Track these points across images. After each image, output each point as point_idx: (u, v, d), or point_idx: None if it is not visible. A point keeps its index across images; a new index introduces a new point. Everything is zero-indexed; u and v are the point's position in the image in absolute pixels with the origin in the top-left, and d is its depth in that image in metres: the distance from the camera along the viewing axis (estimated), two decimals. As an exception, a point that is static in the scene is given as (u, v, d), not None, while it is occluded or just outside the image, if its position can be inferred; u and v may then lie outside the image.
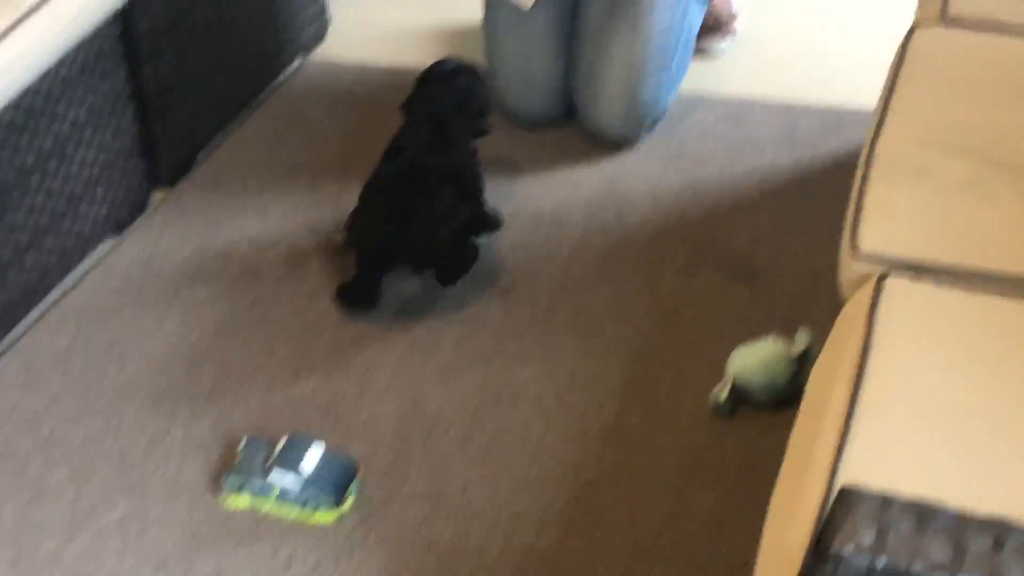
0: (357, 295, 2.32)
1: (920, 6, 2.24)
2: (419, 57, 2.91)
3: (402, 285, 2.38)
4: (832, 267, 2.15)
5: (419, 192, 2.32)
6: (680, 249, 2.43)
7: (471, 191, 2.44)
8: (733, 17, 3.06)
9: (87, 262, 2.47)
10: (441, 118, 2.45)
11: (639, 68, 2.65)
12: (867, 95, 2.65)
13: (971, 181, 1.67)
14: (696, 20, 2.81)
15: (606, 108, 2.68)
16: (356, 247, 2.36)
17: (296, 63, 3.09)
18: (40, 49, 2.21)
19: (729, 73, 2.99)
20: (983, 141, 1.75)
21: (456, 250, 2.34)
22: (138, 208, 2.59)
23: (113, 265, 2.47)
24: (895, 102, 1.88)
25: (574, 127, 2.79)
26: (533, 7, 2.73)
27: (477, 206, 2.45)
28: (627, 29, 2.65)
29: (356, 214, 2.38)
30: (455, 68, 2.55)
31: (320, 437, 2.05)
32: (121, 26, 2.46)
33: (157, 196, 2.65)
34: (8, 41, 2.13)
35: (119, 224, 2.54)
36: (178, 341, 2.29)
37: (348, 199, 2.60)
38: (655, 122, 2.74)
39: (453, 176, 2.38)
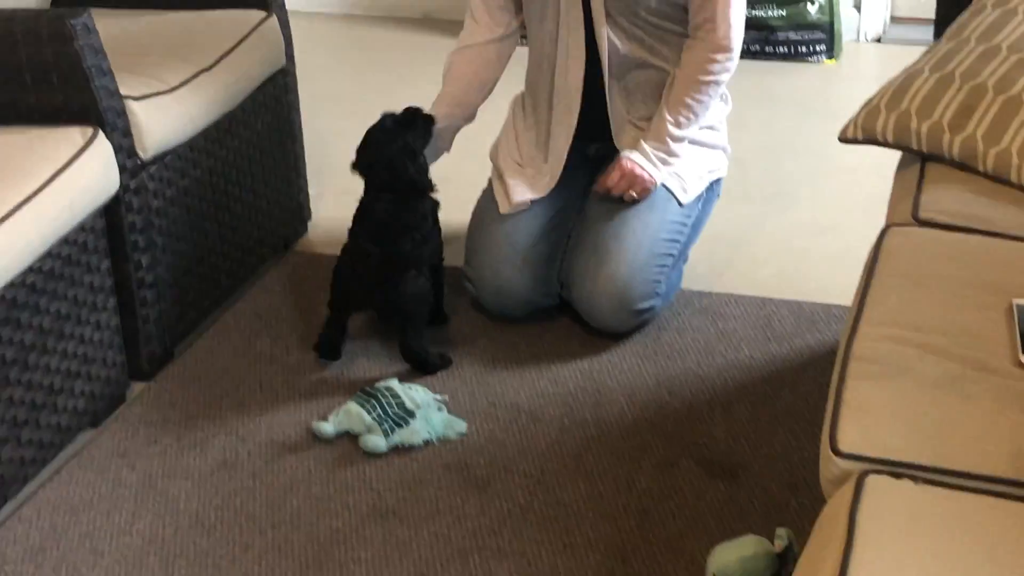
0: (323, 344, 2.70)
1: (892, 206, 2.29)
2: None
3: (378, 477, 2.37)
4: (811, 462, 2.15)
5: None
6: (658, 444, 2.44)
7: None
8: None
9: (63, 454, 2.46)
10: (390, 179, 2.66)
11: (639, 272, 2.69)
12: (841, 291, 2.71)
13: (947, 380, 1.69)
14: (700, 228, 2.87)
15: (598, 304, 2.71)
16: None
17: (276, 257, 3.13)
18: (24, 245, 2.24)
19: (706, 269, 3.03)
20: (958, 340, 1.78)
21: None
22: (116, 401, 2.59)
23: (89, 458, 2.45)
24: (870, 300, 1.91)
25: (551, 320, 2.82)
26: (515, 217, 2.78)
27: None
28: (629, 233, 2.71)
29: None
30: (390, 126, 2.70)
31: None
32: (105, 221, 2.50)
33: (135, 388, 2.65)
34: (-6, 236, 2.16)
35: (97, 416, 2.54)
36: (153, 535, 2.26)
37: (326, 390, 2.61)
38: (647, 321, 2.78)
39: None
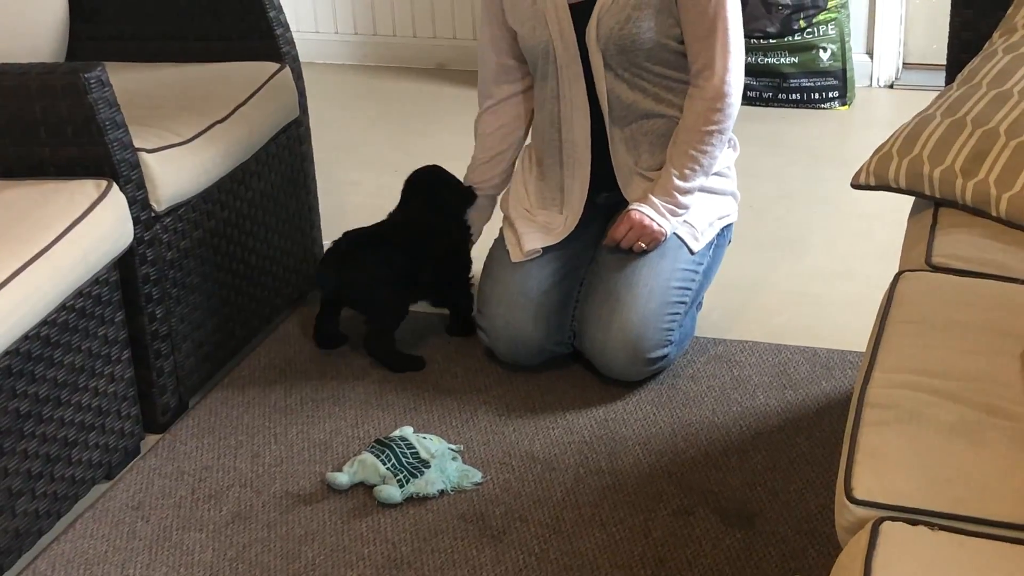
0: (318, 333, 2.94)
1: (905, 251, 2.29)
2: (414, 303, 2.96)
3: (393, 528, 2.36)
4: (828, 509, 2.15)
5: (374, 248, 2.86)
6: (674, 492, 2.43)
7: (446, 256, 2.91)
8: None
9: (78, 507, 2.46)
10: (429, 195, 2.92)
11: (652, 321, 2.69)
12: (856, 337, 2.70)
13: (962, 426, 1.69)
14: (712, 275, 2.88)
15: (612, 354, 2.71)
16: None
17: (290, 308, 3.14)
18: (39, 297, 2.25)
19: (720, 315, 3.03)
20: (972, 386, 1.77)
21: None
22: (131, 453, 2.60)
23: (104, 511, 2.45)
24: (884, 346, 1.91)
25: (565, 369, 2.82)
26: (527, 266, 2.80)
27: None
28: (641, 281, 2.71)
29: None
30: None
31: None
32: (119, 273, 2.51)
33: (150, 440, 2.66)
34: (9, 289, 2.17)
35: (111, 469, 2.54)
36: (167, 588, 2.26)
37: (340, 440, 2.61)
38: (661, 369, 2.78)
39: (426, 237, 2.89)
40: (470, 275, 2.98)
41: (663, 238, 2.73)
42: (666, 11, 2.65)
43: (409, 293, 2.92)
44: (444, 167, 2.98)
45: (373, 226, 2.92)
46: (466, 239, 2.96)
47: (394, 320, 2.88)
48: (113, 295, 2.50)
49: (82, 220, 2.37)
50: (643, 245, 2.72)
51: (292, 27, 3.16)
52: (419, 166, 2.99)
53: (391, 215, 2.95)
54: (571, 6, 2.70)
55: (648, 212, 2.71)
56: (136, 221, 2.52)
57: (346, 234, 2.91)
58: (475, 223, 2.98)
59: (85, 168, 2.47)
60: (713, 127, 2.69)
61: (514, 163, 2.98)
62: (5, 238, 2.25)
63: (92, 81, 2.42)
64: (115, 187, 2.46)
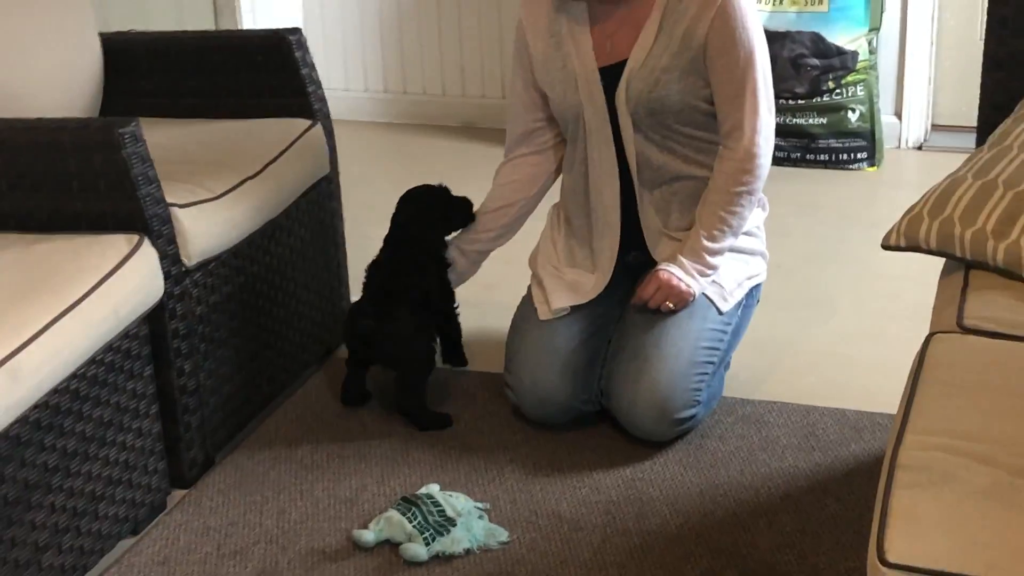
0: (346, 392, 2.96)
1: (936, 313, 2.28)
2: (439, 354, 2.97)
3: (420, 588, 2.36)
4: (858, 572, 2.13)
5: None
6: (702, 554, 2.41)
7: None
8: None
9: (103, 562, 2.46)
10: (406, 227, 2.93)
11: (680, 381, 2.69)
12: (886, 399, 2.69)
13: (996, 490, 1.68)
14: (740, 335, 2.88)
15: (639, 413, 2.70)
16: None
17: (318, 363, 3.15)
18: (70, 352, 2.26)
19: (748, 376, 3.02)
20: (1006, 449, 1.76)
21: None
22: (157, 508, 2.60)
23: (129, 566, 2.45)
24: (916, 408, 1.90)
25: (592, 427, 2.82)
26: (555, 323, 2.80)
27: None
28: (669, 341, 2.70)
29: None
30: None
31: None
32: (149, 328, 2.52)
33: (176, 495, 2.66)
34: (40, 342, 2.18)
35: (137, 524, 2.54)
36: (191, 645, 2.25)
37: (366, 497, 2.61)
38: (689, 430, 2.77)
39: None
40: (455, 303, 2.99)
41: (691, 299, 2.73)
42: (695, 72, 2.66)
43: (433, 335, 2.93)
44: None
45: (384, 272, 2.92)
46: (444, 263, 2.95)
47: (428, 368, 2.89)
48: (143, 349, 2.51)
49: (113, 274, 2.38)
50: (671, 306, 2.72)
51: (324, 84, 3.19)
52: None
53: (383, 250, 2.96)
54: (600, 69, 2.71)
55: (677, 272, 2.71)
56: (167, 276, 2.53)
57: (366, 291, 2.92)
58: (456, 280, 2.99)
59: (117, 222, 2.49)
60: (743, 188, 2.69)
61: (518, 221, 2.99)
62: (38, 291, 2.27)
63: (126, 136, 2.44)
64: (147, 242, 2.48)
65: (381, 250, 2.96)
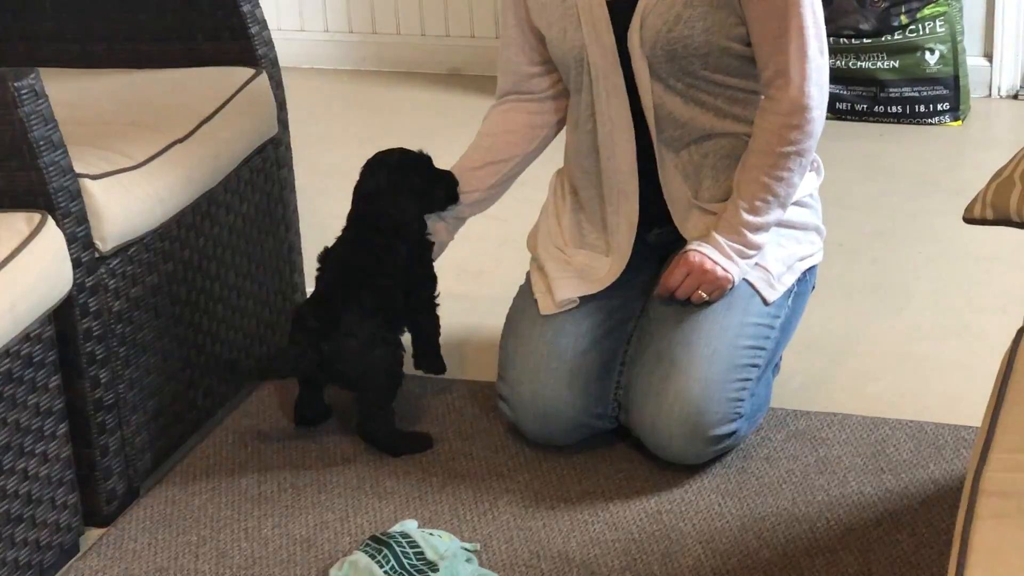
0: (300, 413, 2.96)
1: (1030, 302, 2.29)
2: (406, 368, 2.98)
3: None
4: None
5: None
6: (743, 602, 2.44)
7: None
8: None
9: (1, 619, 2.48)
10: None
11: (716, 390, 2.69)
12: (971, 409, 2.70)
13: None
14: (791, 331, 2.89)
15: (666, 430, 2.71)
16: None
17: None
18: (-44, 357, 2.27)
19: (802, 382, 3.04)
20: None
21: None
22: (68, 551, 2.61)
23: (33, 623, 2.47)
24: (1003, 420, 1.91)
25: (607, 448, 2.83)
26: (560, 319, 2.81)
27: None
28: (702, 340, 2.71)
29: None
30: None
31: None
32: (55, 329, 2.53)
33: (91, 536, 2.67)
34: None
35: (43, 571, 2.55)
36: None
37: (327, 536, 2.62)
38: (728, 449, 2.78)
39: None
40: (436, 292, 2.98)
41: (729, 285, 2.74)
42: (726, 7, 2.66)
43: (396, 341, 2.92)
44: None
45: (332, 268, 2.91)
46: (427, 244, 2.95)
47: (391, 385, 2.88)
48: (47, 355, 2.52)
49: (9, 262, 2.38)
50: (704, 295, 2.73)
51: (271, 25, 3.20)
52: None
53: (344, 231, 2.94)
54: (609, 4, 2.72)
55: (711, 253, 2.72)
56: (76, 263, 2.54)
57: (312, 297, 2.91)
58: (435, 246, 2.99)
59: (13, 198, 2.50)
60: (790, 148, 2.70)
61: (508, 181, 3.00)
62: (-86, 285, 2.28)
63: (24, 91, 2.45)
64: (50, 221, 2.48)
65: (343, 231, 2.95)
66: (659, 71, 2.71)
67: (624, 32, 2.71)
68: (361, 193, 2.92)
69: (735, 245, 2.73)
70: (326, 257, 2.92)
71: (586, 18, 2.73)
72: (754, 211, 2.72)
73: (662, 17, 2.67)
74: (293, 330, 2.86)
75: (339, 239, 2.93)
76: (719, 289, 2.73)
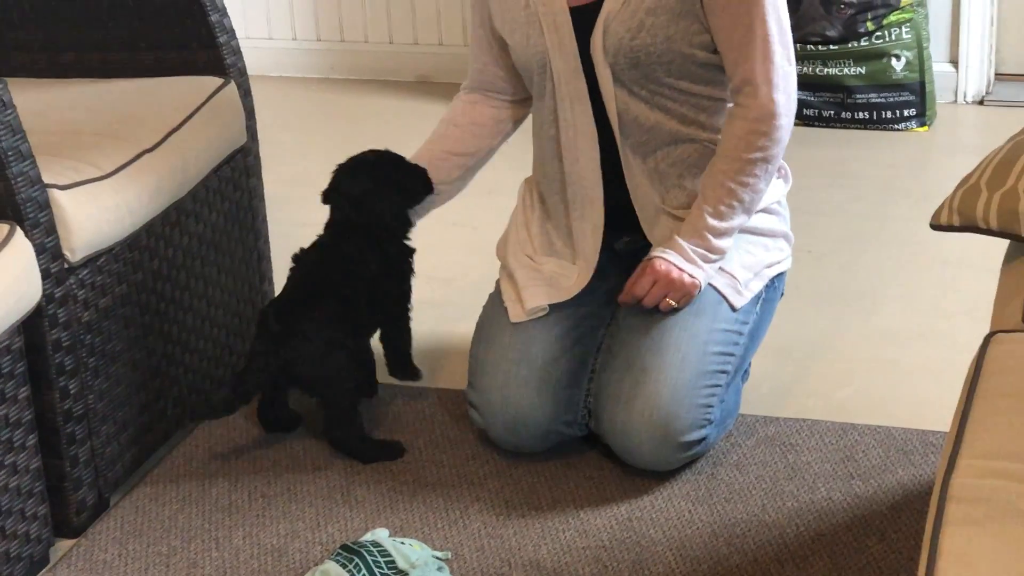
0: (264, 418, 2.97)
1: (998, 308, 2.30)
2: (380, 375, 2.98)
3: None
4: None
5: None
6: (714, 609, 2.44)
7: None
8: None
9: (-30, 632, 2.47)
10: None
11: (686, 396, 2.70)
12: (938, 414, 2.71)
13: (1068, 525, 1.70)
14: (760, 336, 2.90)
15: (636, 437, 2.71)
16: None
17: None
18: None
19: (771, 388, 3.04)
20: (1081, 474, 1.78)
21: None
22: (37, 563, 2.60)
23: (3, 635, 2.46)
24: (971, 425, 1.91)
25: (577, 456, 2.83)
26: (530, 327, 2.81)
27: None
28: (671, 346, 2.72)
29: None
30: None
31: None
32: (23, 340, 2.52)
33: (61, 547, 2.66)
34: None
35: (12, 584, 2.55)
36: None
37: (298, 546, 2.61)
38: (698, 456, 2.79)
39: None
40: (408, 306, 2.99)
41: (696, 291, 2.74)
42: (690, 15, 2.66)
43: (365, 350, 2.93)
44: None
45: (301, 270, 2.92)
46: (408, 251, 2.96)
47: (350, 390, 2.87)
48: (16, 366, 2.51)
49: (-22, 273, 2.38)
50: (672, 303, 2.72)
51: (239, 33, 3.20)
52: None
53: (320, 238, 2.95)
54: (572, 10, 2.72)
55: (676, 260, 2.72)
56: (45, 274, 2.53)
57: (277, 298, 2.92)
58: None
59: (-19, 209, 2.49)
60: (757, 154, 2.70)
61: (470, 173, 3.02)
62: None
63: (-9, 102, 2.44)
64: (19, 232, 2.47)
65: (321, 235, 2.95)
66: (623, 78, 2.71)
67: (587, 38, 2.71)
68: (346, 196, 2.91)
69: (699, 250, 2.72)
70: (300, 258, 2.93)
71: (548, 24, 2.73)
72: (719, 216, 2.72)
73: (625, 24, 2.67)
74: (257, 333, 2.86)
75: (315, 242, 2.94)
76: (687, 296, 2.73)
